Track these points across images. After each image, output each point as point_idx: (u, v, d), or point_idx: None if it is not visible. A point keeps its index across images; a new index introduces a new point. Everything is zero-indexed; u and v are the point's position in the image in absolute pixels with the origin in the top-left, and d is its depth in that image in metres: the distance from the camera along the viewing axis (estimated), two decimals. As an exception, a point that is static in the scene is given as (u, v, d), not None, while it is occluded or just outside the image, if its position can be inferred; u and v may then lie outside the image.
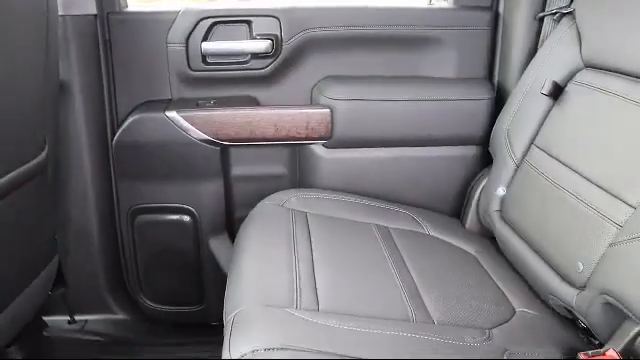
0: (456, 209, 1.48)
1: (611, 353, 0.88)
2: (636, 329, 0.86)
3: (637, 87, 1.01)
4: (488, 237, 1.36)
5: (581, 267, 0.97)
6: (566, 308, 1.01)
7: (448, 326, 0.93)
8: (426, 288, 1.03)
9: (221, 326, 1.05)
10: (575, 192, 1.04)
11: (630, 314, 0.84)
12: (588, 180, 1.03)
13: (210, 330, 1.63)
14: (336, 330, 0.83)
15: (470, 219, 1.42)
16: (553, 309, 1.06)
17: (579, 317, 0.98)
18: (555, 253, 1.06)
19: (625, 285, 0.85)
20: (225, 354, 0.81)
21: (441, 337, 0.88)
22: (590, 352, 0.89)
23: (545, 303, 1.08)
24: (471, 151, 1.48)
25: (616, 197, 0.95)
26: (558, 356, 0.92)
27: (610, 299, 0.88)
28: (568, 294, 0.99)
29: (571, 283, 0.99)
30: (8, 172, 1.06)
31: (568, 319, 1.03)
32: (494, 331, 0.95)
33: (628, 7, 1.09)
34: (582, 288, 0.96)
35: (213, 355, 1.46)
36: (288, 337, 0.79)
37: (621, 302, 0.86)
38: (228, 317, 0.90)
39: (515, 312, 1.04)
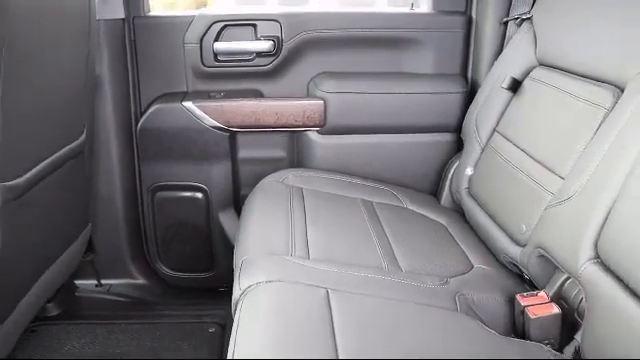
0: (432, 188, 1.70)
1: (542, 294, 1.10)
2: (564, 277, 1.07)
3: (575, 83, 1.22)
4: (459, 212, 1.58)
5: (524, 228, 1.19)
6: (514, 263, 1.23)
7: (413, 274, 1.15)
8: (399, 247, 1.25)
9: (228, 292, 1.21)
10: (522, 168, 1.26)
11: (558, 265, 1.06)
12: (532, 158, 1.25)
13: (218, 295, 1.83)
14: (321, 271, 1.06)
15: (444, 196, 1.65)
16: (505, 266, 1.28)
17: (523, 270, 1.20)
18: (506, 218, 1.28)
19: (553, 240, 1.07)
20: (236, 288, 1.03)
21: (406, 280, 1.10)
22: (526, 293, 1.11)
23: (499, 261, 1.30)
24: (446, 138, 1.70)
25: (551, 171, 1.17)
26: (503, 299, 1.14)
27: (543, 252, 1.10)
28: (515, 251, 1.21)
29: (517, 242, 1.22)
30: (55, 152, 1.29)
31: (516, 273, 1.25)
32: (451, 280, 1.17)
33: (573, 17, 1.31)
34: (524, 246, 1.18)
35: (218, 316, 1.66)
36: (284, 274, 1.02)
37: (551, 255, 1.07)
38: (237, 263, 1.12)
39: (473, 267, 1.26)
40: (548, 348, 1.01)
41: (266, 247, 1.15)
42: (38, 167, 1.18)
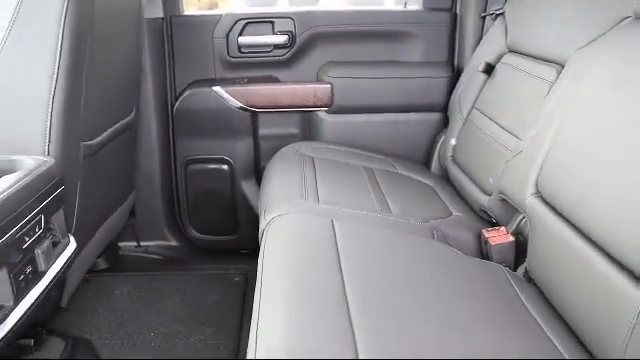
0: (423, 158, 1.99)
1: (502, 229, 1.39)
2: (520, 216, 1.35)
3: (532, 63, 1.50)
4: (445, 178, 1.87)
5: (491, 181, 1.48)
6: (484, 210, 1.52)
7: (401, 215, 1.44)
8: (391, 197, 1.54)
9: (250, 254, 1.42)
10: (492, 134, 1.55)
11: (512, 202, 1.34)
12: (499, 125, 1.53)
13: (241, 256, 2.11)
14: (328, 208, 1.35)
15: (433, 165, 1.94)
16: (478, 214, 1.57)
17: (490, 214, 1.49)
18: (478, 174, 1.57)
19: (509, 185, 1.35)
20: (262, 223, 1.33)
21: (394, 218, 1.40)
22: (489, 229, 1.40)
23: (474, 211, 1.58)
24: (435, 116, 1.99)
25: (511, 134, 1.45)
26: (472, 236, 1.43)
27: (503, 196, 1.39)
28: (484, 199, 1.50)
29: (485, 192, 1.50)
30: (115, 124, 1.60)
31: (486, 220, 1.54)
32: (432, 221, 1.45)
33: (534, 11, 1.59)
34: (491, 194, 1.47)
35: (241, 269, 1.94)
36: (298, 209, 1.32)
37: (508, 196, 1.36)
38: (261, 206, 1.43)
39: (452, 214, 1.55)
40: (506, 269, 1.30)
41: (284, 194, 1.45)
42: (104, 134, 1.49)
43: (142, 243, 2.14)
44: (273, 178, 1.63)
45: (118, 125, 1.61)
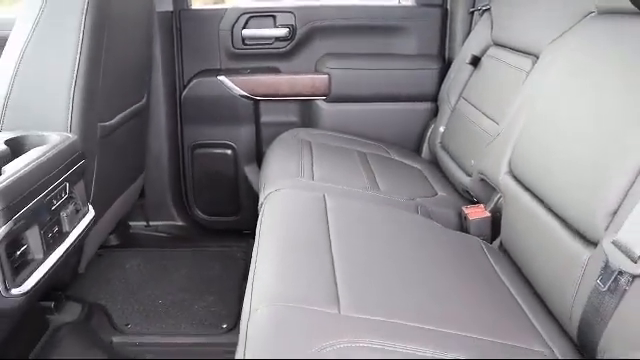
0: (415, 145, 2.12)
1: (481, 206, 1.52)
2: (498, 195, 1.48)
3: (512, 55, 1.63)
4: (434, 163, 1.99)
5: (473, 163, 1.61)
6: (466, 191, 1.65)
7: (389, 192, 1.57)
8: (381, 177, 1.68)
9: (251, 234, 1.53)
10: (475, 120, 1.68)
11: (489, 181, 1.47)
12: (482, 112, 1.66)
13: (243, 236, 2.24)
14: (321, 185, 1.49)
15: (424, 151, 2.07)
16: (461, 194, 1.70)
17: (472, 194, 1.62)
18: (462, 158, 1.70)
19: (487, 165, 1.48)
20: (261, 197, 1.47)
21: (382, 195, 1.53)
22: (469, 206, 1.53)
23: (457, 191, 1.72)
24: (426, 105, 2.12)
25: (491, 119, 1.58)
26: (454, 213, 1.56)
27: (482, 176, 1.52)
28: (466, 180, 1.63)
29: (468, 174, 1.63)
30: (128, 108, 1.73)
31: (468, 199, 1.67)
32: (418, 199, 1.59)
33: (516, 8, 1.72)
34: (472, 175, 1.60)
35: (243, 246, 2.09)
36: (294, 184, 1.45)
37: (486, 175, 1.49)
38: (261, 183, 1.56)
39: (437, 194, 1.68)
40: (482, 241, 1.43)
41: (282, 172, 1.59)
42: (118, 117, 1.63)
43: (151, 223, 2.28)
44: (273, 160, 1.77)
45: (130, 110, 1.75)
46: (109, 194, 1.65)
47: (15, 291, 0.98)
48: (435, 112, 2.11)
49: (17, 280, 1.00)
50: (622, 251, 0.85)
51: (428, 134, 2.06)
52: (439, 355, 0.87)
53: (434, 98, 2.10)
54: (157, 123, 2.12)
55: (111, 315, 1.68)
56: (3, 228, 0.95)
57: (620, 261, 0.84)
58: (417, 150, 2.12)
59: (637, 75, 1.00)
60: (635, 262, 0.82)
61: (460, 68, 1.94)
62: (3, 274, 0.95)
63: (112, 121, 1.58)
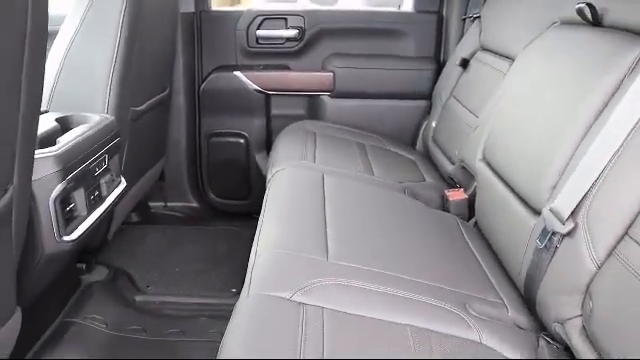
0: (411, 139, 2.33)
1: (461, 190, 1.72)
2: (476, 182, 1.69)
3: (493, 58, 1.83)
4: (427, 155, 2.20)
5: (457, 152, 1.82)
6: (451, 178, 1.85)
7: (381, 176, 1.79)
8: (375, 164, 1.89)
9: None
10: (461, 115, 1.89)
11: (469, 168, 1.68)
12: (466, 108, 1.87)
13: (253, 219, 2.43)
14: (321, 167, 1.71)
15: (418, 144, 2.28)
16: (447, 181, 1.90)
17: (455, 180, 1.82)
18: (449, 149, 1.90)
19: (467, 153, 1.69)
20: (268, 175, 1.70)
21: (375, 177, 1.75)
22: (450, 189, 1.73)
23: (444, 179, 1.92)
24: (421, 103, 2.32)
25: (473, 114, 1.79)
26: (437, 195, 1.76)
27: (463, 164, 1.72)
28: (450, 168, 1.84)
29: (452, 162, 1.84)
30: (154, 97, 1.97)
31: (452, 185, 1.87)
32: (406, 182, 1.80)
33: (501, 17, 1.92)
34: (455, 163, 1.81)
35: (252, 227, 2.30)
36: (297, 165, 1.68)
37: (466, 163, 1.69)
38: (270, 165, 1.79)
39: (425, 180, 1.89)
40: (459, 219, 1.63)
41: (288, 156, 1.81)
42: (146, 104, 1.86)
43: (169, 203, 2.50)
44: (280, 146, 1.99)
45: (155, 99, 1.98)
46: (136, 171, 1.88)
47: (67, 238, 1.21)
48: (429, 109, 2.31)
49: (68, 229, 1.23)
50: (555, 216, 1.05)
51: (422, 129, 2.27)
52: (408, 295, 1.08)
53: (428, 96, 2.30)
54: (177, 113, 2.34)
55: (134, 278, 1.92)
56: (59, 186, 1.18)
57: (553, 223, 1.05)
58: (412, 144, 2.33)
59: (587, 77, 1.20)
60: (563, 224, 1.02)
61: (451, 69, 2.15)
62: (58, 223, 1.18)
63: (142, 107, 1.81)
